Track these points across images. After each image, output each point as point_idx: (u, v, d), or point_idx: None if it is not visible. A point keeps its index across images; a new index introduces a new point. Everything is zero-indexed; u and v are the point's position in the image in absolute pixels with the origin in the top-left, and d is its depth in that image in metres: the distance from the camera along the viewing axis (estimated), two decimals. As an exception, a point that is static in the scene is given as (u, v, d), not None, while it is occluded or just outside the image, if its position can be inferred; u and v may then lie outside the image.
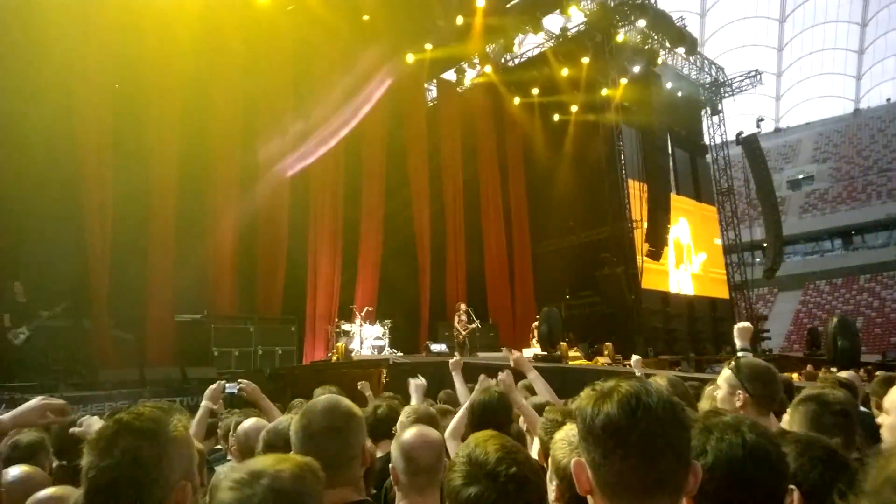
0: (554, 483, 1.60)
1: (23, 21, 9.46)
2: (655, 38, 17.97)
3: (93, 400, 8.03)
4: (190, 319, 11.06)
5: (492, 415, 2.61)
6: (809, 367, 10.39)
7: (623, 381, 1.02)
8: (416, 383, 3.53)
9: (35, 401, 1.94)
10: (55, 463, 2.78)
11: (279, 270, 12.33)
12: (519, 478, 1.24)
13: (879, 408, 2.30)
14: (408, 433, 1.80)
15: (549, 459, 1.67)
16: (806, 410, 1.95)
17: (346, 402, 1.69)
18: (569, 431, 1.66)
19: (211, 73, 11.85)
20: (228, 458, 3.12)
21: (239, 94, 12.19)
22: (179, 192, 11.01)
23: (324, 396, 1.76)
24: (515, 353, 3.51)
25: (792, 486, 1.15)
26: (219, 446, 3.54)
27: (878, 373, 5.29)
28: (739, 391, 2.23)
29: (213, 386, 3.43)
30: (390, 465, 1.78)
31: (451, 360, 3.98)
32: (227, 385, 3.84)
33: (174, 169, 10.97)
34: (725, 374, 2.32)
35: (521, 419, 2.92)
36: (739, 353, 2.72)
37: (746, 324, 2.90)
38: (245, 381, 3.49)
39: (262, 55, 12.81)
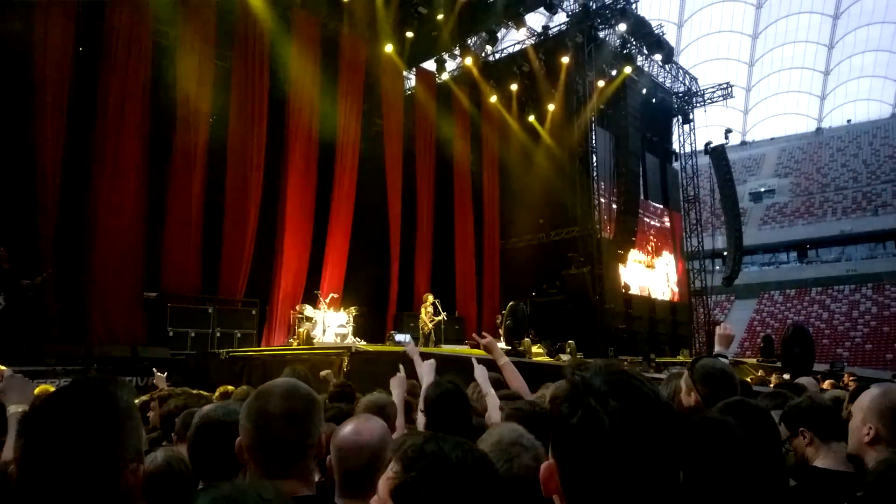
0: None
1: None
2: (634, 43, 18.17)
3: (34, 376, 7.58)
4: (145, 297, 10.66)
5: (449, 408, 2.43)
6: (761, 373, 10.70)
7: None
8: (397, 378, 3.15)
9: None
10: None
11: (245, 252, 12.00)
12: None
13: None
14: (344, 430, 1.63)
15: None
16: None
17: (306, 386, 1.56)
18: None
19: (183, 43, 11.37)
20: (164, 443, 2.96)
21: (210, 70, 11.77)
22: (138, 160, 10.52)
23: (282, 379, 1.63)
24: (487, 338, 3.26)
25: None
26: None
27: (849, 381, 5.52)
28: (693, 392, 2.24)
29: None
30: (327, 458, 1.63)
31: (408, 346, 3.78)
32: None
33: (135, 139, 10.49)
34: (685, 373, 2.34)
35: (487, 414, 2.83)
36: (716, 357, 2.72)
37: (728, 331, 2.88)
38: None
39: (237, 33, 12.45)
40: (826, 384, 5.70)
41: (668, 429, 0.84)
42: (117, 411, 1.15)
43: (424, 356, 3.43)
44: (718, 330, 2.88)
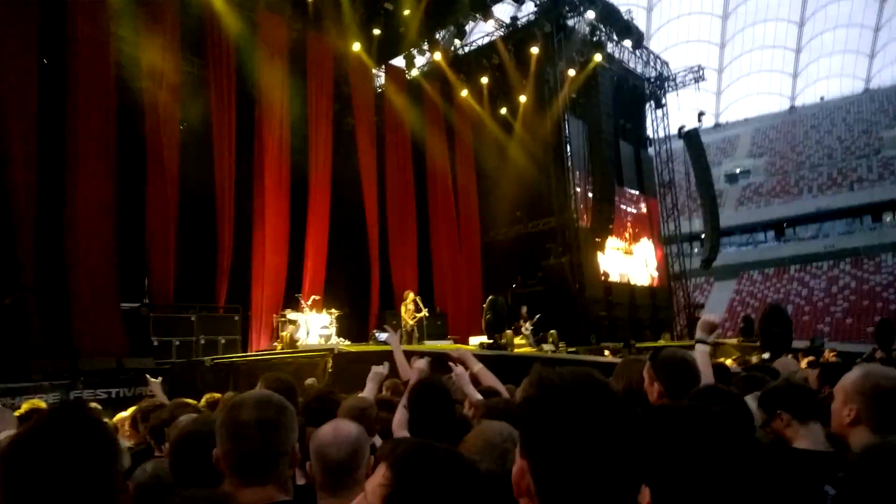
0: None
1: None
2: (603, 30, 18.30)
3: (21, 392, 7.65)
4: (128, 308, 10.65)
5: (431, 399, 2.49)
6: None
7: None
8: (375, 370, 3.35)
9: None
10: None
11: (224, 258, 12.03)
12: None
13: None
14: (322, 429, 1.72)
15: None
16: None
17: (279, 396, 1.62)
18: None
19: (148, 49, 11.30)
20: (157, 454, 3.02)
21: (178, 76, 11.71)
22: (109, 169, 10.45)
23: (254, 390, 1.71)
24: (459, 351, 3.49)
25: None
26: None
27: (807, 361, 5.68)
28: (655, 382, 2.27)
29: None
30: (307, 463, 1.70)
31: (391, 340, 3.93)
32: None
33: (105, 150, 10.40)
34: (647, 364, 2.36)
35: (467, 405, 2.91)
36: (696, 343, 2.74)
37: (711, 318, 2.86)
38: None
39: (204, 38, 12.42)
40: (805, 362, 5.82)
41: (635, 420, 0.88)
42: (109, 437, 1.21)
43: (410, 354, 3.57)
44: (704, 317, 2.86)
